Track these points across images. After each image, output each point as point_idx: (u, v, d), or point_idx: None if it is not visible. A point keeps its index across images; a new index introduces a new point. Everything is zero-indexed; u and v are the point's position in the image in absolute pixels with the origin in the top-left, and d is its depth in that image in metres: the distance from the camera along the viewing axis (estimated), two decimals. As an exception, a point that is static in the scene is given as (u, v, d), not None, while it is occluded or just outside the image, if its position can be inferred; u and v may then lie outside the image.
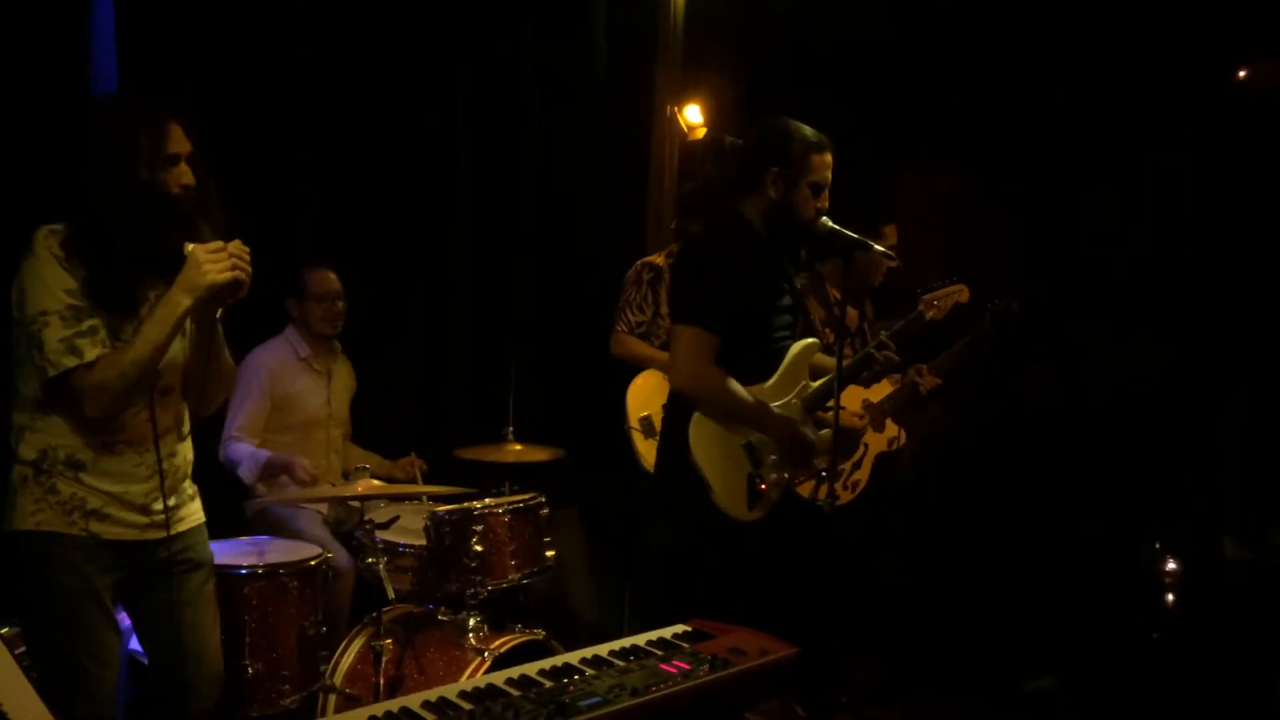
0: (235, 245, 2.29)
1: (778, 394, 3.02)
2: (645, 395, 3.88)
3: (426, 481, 3.94)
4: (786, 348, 3.05)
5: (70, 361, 2.21)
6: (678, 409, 2.97)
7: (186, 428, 2.54)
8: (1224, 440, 4.32)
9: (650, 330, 4.02)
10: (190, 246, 2.26)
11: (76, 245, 2.25)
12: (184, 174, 2.32)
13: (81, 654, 2.31)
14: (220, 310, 2.42)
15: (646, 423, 3.84)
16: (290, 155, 4.19)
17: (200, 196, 2.34)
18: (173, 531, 2.43)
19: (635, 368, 3.99)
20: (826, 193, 2.96)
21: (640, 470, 3.76)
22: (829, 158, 2.94)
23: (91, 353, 2.22)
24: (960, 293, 3.90)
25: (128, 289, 2.29)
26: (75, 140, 2.37)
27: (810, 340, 3.10)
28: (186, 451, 2.54)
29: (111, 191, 2.26)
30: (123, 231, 2.26)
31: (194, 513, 2.57)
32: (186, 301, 2.25)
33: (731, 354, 2.91)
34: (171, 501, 2.44)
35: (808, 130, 2.93)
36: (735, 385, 2.91)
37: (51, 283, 2.22)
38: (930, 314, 3.83)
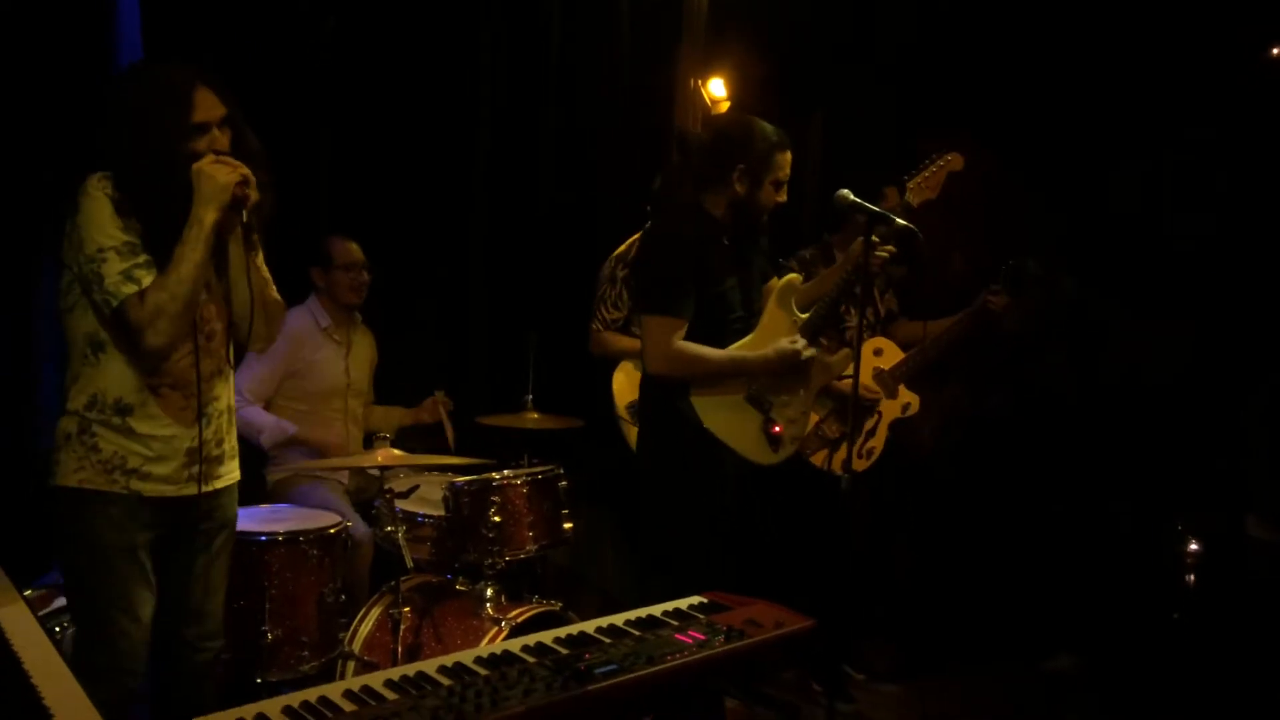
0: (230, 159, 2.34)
1: (766, 338, 3.08)
2: (632, 383, 3.86)
3: (447, 449, 3.95)
4: (739, 327, 3.09)
5: (129, 289, 2.26)
6: (661, 395, 3.03)
7: (230, 372, 2.58)
8: (1247, 419, 4.27)
9: (630, 324, 3.95)
10: (194, 166, 2.29)
11: (124, 195, 2.30)
12: (216, 139, 2.35)
13: (113, 606, 2.35)
14: (259, 250, 2.48)
15: (634, 409, 3.83)
16: (313, 127, 4.19)
17: (238, 157, 2.36)
18: (207, 488, 2.47)
19: (615, 361, 3.97)
20: (785, 187, 3.06)
21: (632, 455, 3.76)
22: (790, 155, 3.04)
23: (148, 280, 2.28)
24: (953, 161, 3.43)
25: (171, 241, 2.31)
26: (102, 110, 2.38)
27: (791, 275, 3.18)
28: (228, 395, 2.58)
29: (141, 163, 2.29)
30: (156, 201, 2.30)
31: (231, 471, 2.60)
32: (210, 215, 2.29)
33: (700, 332, 2.99)
34: (215, 451, 2.49)
35: (770, 129, 3.03)
36: (706, 349, 2.98)
37: (107, 222, 2.28)
38: (921, 198, 3.39)
